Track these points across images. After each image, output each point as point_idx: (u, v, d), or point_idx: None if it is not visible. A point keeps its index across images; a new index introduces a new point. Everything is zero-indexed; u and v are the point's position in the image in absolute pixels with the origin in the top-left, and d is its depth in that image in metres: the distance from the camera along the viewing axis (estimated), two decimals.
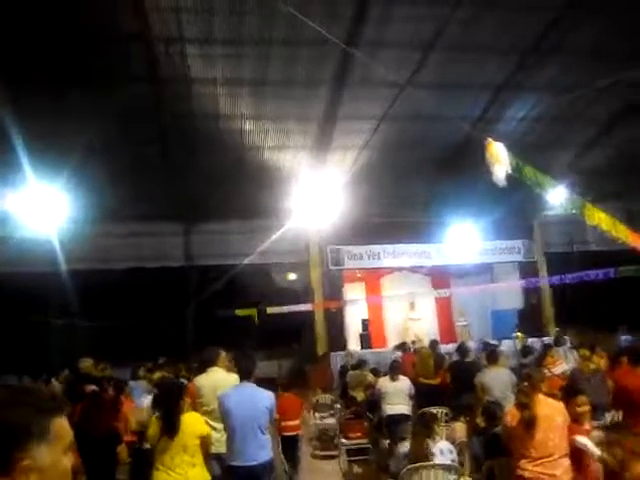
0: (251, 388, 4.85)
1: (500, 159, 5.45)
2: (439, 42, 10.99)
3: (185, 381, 7.60)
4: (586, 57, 11.58)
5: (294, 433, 7.32)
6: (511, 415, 4.37)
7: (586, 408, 4.42)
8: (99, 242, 14.79)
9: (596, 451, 4.03)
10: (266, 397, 4.84)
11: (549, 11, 10.59)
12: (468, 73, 12.05)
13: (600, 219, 6.23)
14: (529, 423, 4.13)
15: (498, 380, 6.78)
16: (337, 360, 14.23)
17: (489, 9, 10.45)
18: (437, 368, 8.85)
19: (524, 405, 4.21)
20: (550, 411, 4.25)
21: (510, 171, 5.57)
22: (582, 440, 4.19)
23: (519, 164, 5.67)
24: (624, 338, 11.37)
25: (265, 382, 5.83)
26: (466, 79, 12.19)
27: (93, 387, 5.91)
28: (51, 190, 11.03)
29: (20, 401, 1.30)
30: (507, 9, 10.43)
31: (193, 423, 4.40)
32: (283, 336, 16.86)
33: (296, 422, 7.36)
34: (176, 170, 13.74)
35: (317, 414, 9.62)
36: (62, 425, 1.34)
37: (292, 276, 17.30)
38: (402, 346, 12.13)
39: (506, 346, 11.83)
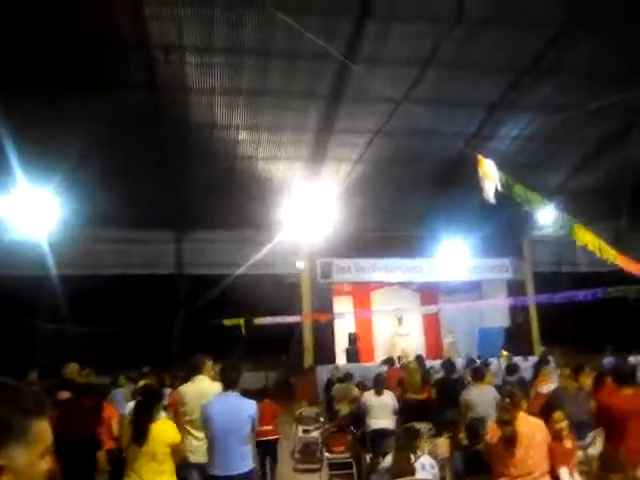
0: (234, 397, 4.82)
1: (490, 176, 5.51)
2: (436, 59, 11.12)
3: (169, 390, 7.57)
4: (581, 78, 11.73)
5: (267, 438, 7.41)
6: (492, 432, 4.38)
7: (563, 424, 4.44)
8: (89, 247, 14.76)
9: None
10: (249, 406, 4.81)
11: (547, 30, 10.72)
12: (463, 90, 12.18)
13: (587, 240, 6.29)
14: (509, 440, 4.14)
15: (483, 397, 6.77)
16: (323, 373, 14.17)
17: (487, 27, 10.58)
18: (424, 383, 8.84)
19: (505, 422, 4.22)
20: (530, 429, 4.26)
21: (500, 188, 5.62)
22: (563, 473, 4.22)
23: (509, 182, 5.73)
24: (607, 360, 11.40)
25: (251, 393, 5.82)
26: (461, 96, 12.31)
27: (67, 395, 5.85)
28: (42, 193, 10.97)
29: (4, 399, 1.25)
30: (505, 28, 10.57)
31: (164, 431, 4.35)
32: (271, 347, 16.79)
33: (271, 427, 7.50)
34: (170, 177, 13.75)
35: (301, 427, 9.56)
36: (43, 427, 1.30)
37: (282, 288, 17.25)
38: (388, 361, 12.11)
39: (492, 364, 11.83)
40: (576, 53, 11.18)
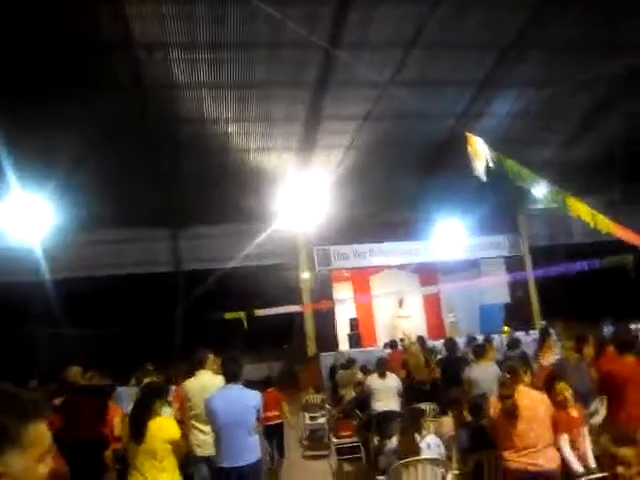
0: (238, 389, 4.84)
1: (481, 154, 5.49)
2: (420, 40, 11.07)
3: (173, 387, 7.61)
4: (568, 51, 11.70)
5: (274, 422, 7.94)
6: (493, 406, 4.42)
7: (567, 394, 4.47)
8: (86, 250, 14.73)
9: (573, 461, 4.15)
10: (253, 396, 4.84)
11: (528, 7, 10.68)
12: (450, 70, 12.16)
13: (581, 211, 6.29)
14: (510, 413, 4.17)
15: (485, 374, 6.81)
16: (327, 360, 14.24)
17: (468, 7, 10.53)
18: (427, 364, 8.91)
19: (505, 396, 4.25)
20: (531, 401, 4.29)
21: (491, 165, 5.60)
22: (563, 441, 4.26)
23: (500, 158, 5.71)
24: (608, 329, 11.47)
25: (255, 384, 5.87)
26: (449, 76, 12.30)
27: (70, 398, 5.87)
28: (36, 199, 10.95)
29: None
30: (486, 6, 10.52)
31: (163, 428, 4.33)
32: (273, 338, 16.84)
33: (276, 412, 7.98)
34: (163, 175, 13.73)
35: (307, 414, 9.63)
36: (40, 431, 1.29)
37: (281, 278, 17.28)
38: (391, 344, 12.16)
39: (494, 340, 11.88)
40: (559, 28, 11.14)
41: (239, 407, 4.75)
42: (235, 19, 10.02)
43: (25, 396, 1.33)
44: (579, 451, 4.37)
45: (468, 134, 5.40)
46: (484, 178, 5.53)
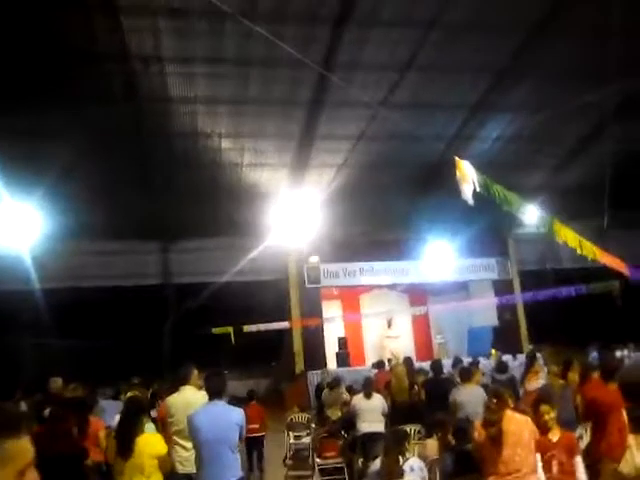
0: (222, 406, 4.79)
1: (468, 177, 5.54)
2: (415, 63, 11.19)
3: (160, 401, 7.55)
4: (560, 77, 11.84)
5: (255, 435, 8.21)
6: (477, 431, 4.41)
7: (548, 416, 4.47)
8: (74, 260, 14.64)
9: None
10: (236, 414, 4.79)
11: (522, 32, 10.84)
12: (444, 93, 12.27)
13: (567, 237, 6.35)
14: (494, 439, 4.16)
15: (471, 397, 6.81)
16: (315, 378, 14.16)
17: (463, 30, 10.66)
18: (412, 386, 8.86)
19: (490, 421, 4.25)
20: (517, 427, 4.28)
21: (479, 189, 5.66)
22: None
23: (488, 182, 5.76)
24: (593, 356, 11.52)
25: (239, 400, 5.84)
26: (442, 99, 12.40)
27: (52, 410, 5.83)
28: (25, 207, 10.90)
29: None
30: (482, 31, 10.66)
31: (151, 443, 4.34)
32: (262, 354, 16.76)
33: (256, 425, 8.23)
34: (155, 188, 13.71)
35: (292, 433, 9.55)
36: (19, 446, 1.27)
37: (271, 294, 17.24)
38: (379, 364, 12.12)
39: (481, 363, 11.87)
40: (553, 53, 11.29)
41: (223, 424, 4.69)
42: (231, 35, 10.09)
43: (8, 410, 1.32)
44: (551, 474, 4.34)
45: (456, 158, 5.47)
46: (471, 202, 5.59)
